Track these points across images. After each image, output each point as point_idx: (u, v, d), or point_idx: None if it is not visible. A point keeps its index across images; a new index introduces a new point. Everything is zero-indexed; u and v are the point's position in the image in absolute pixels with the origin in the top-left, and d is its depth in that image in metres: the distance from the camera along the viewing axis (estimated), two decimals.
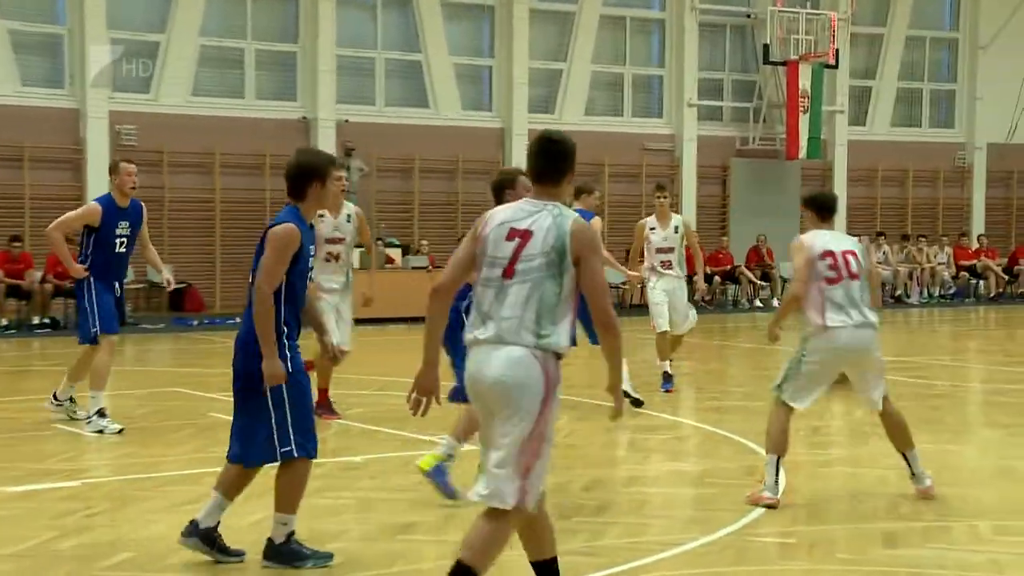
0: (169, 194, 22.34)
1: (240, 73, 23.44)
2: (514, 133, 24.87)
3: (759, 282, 25.58)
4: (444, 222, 24.23)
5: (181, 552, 5.82)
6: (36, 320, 19.47)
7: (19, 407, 11.01)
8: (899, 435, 7.22)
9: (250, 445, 5.65)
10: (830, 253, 7.07)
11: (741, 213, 27.27)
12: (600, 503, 7.10)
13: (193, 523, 5.79)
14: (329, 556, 5.81)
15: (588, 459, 8.48)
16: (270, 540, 5.74)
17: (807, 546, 6.13)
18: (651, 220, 11.86)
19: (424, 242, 23.12)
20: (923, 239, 27.74)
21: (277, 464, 5.72)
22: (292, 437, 5.61)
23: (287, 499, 5.69)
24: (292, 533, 5.73)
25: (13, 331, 19.02)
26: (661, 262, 11.65)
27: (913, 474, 7.17)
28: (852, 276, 7.07)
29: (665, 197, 11.79)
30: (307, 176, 5.76)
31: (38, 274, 19.56)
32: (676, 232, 11.74)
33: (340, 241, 10.07)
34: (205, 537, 5.76)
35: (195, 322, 20.43)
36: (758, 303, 25.26)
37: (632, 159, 26.46)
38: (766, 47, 26.93)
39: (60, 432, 9.56)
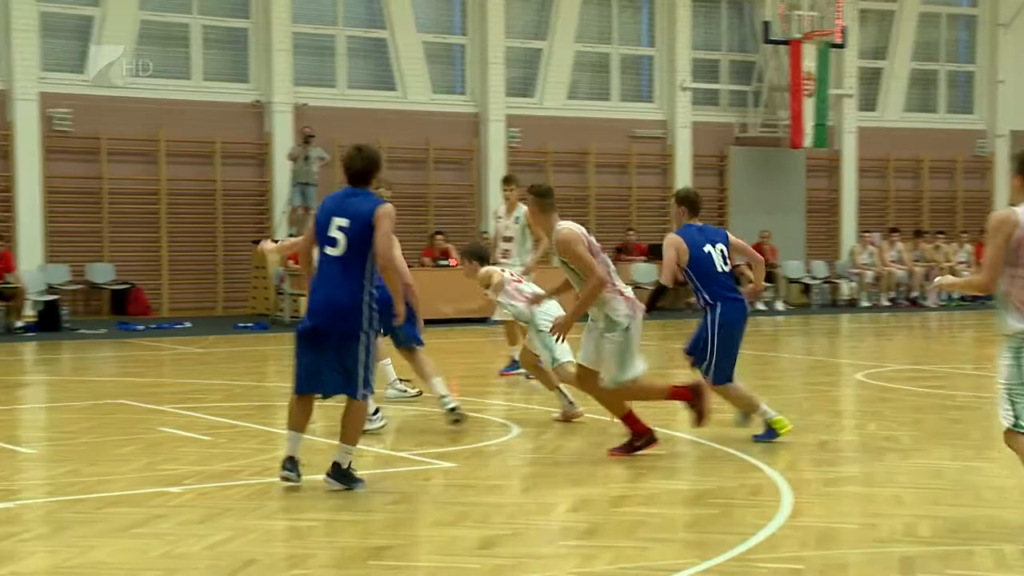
0: (108, 185, 22.35)
1: (185, 52, 23.37)
2: (490, 119, 24.65)
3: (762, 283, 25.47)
4: (414, 217, 23.87)
5: None
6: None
7: None
8: None
9: (340, 382, 7.55)
10: None
11: (741, 207, 27.23)
12: (590, 525, 7.12)
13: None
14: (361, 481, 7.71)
15: (572, 477, 8.51)
16: (336, 464, 7.63)
17: (817, 573, 6.17)
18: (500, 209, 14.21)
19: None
20: (940, 236, 27.91)
21: None
22: (371, 383, 7.65)
23: (354, 433, 7.64)
24: (352, 463, 7.66)
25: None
26: (504, 251, 13.67)
27: None
28: None
29: (512, 190, 13.82)
30: (374, 166, 7.89)
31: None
32: (517, 223, 13.57)
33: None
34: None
35: (141, 327, 20.33)
36: (760, 306, 25.12)
37: (620, 147, 26.52)
38: (766, 24, 27.05)
39: None
